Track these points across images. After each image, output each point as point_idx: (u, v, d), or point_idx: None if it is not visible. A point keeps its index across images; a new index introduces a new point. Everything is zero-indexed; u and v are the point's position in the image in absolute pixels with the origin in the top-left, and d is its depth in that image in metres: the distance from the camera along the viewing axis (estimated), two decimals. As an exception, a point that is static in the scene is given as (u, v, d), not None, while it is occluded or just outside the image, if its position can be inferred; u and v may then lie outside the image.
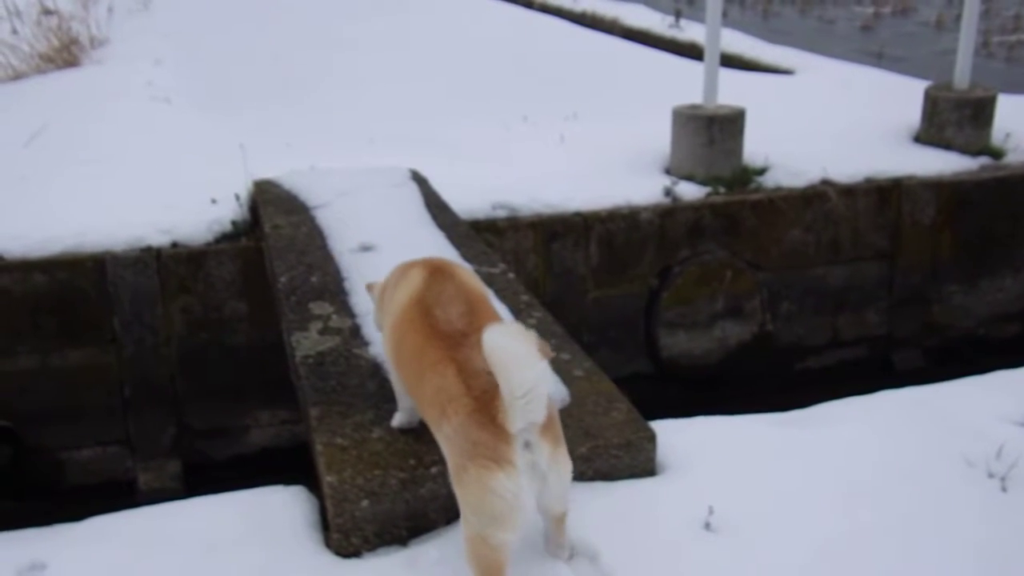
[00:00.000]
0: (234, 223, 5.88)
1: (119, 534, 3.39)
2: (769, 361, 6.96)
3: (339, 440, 3.36)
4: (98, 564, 3.15)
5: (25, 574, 3.21)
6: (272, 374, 5.72)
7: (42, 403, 5.57)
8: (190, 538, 3.29)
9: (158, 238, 5.68)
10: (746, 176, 6.90)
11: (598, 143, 7.66)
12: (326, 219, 5.45)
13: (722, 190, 6.77)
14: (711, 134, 6.86)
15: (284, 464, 5.27)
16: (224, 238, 5.81)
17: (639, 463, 3.40)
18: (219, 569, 3.11)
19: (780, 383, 6.78)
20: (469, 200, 6.24)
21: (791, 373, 7.04)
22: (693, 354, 6.82)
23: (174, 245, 5.69)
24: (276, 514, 3.42)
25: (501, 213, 6.40)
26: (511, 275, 4.83)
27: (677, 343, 6.76)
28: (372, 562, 3.16)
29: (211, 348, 5.73)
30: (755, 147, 7.09)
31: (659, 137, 7.32)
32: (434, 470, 3.22)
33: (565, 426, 3.47)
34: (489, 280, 4.64)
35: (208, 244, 5.75)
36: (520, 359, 2.40)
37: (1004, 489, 3.26)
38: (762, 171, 6.96)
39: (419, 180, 6.29)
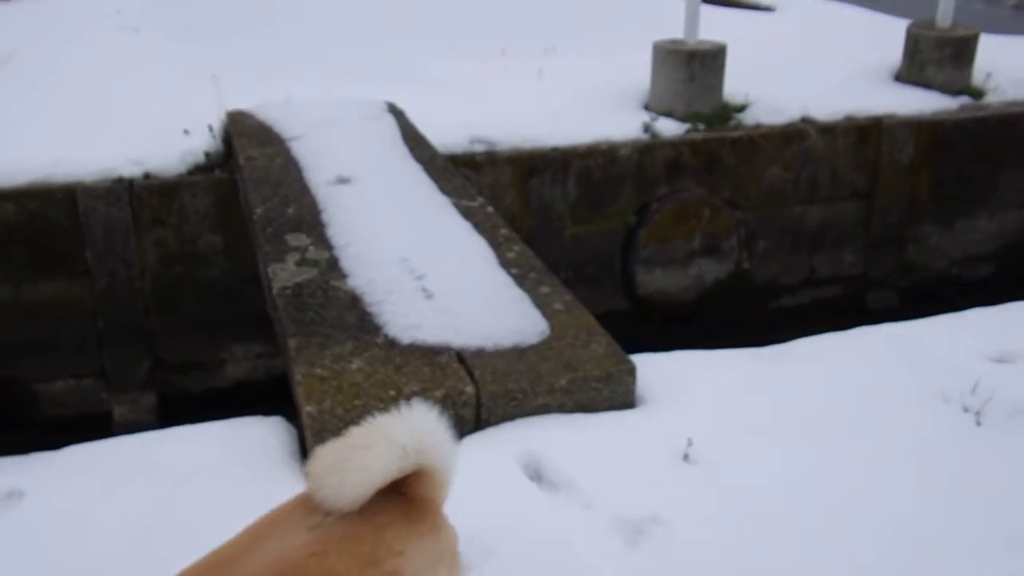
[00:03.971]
0: (207, 155, 5.78)
1: (97, 463, 3.38)
2: (745, 300, 7.01)
3: (318, 371, 3.35)
4: (76, 492, 3.14)
5: (3, 501, 3.20)
6: (247, 308, 5.68)
7: (15, 335, 5.51)
8: (168, 467, 3.28)
9: (130, 169, 5.58)
10: (726, 113, 6.86)
11: (577, 78, 7.57)
12: (301, 151, 5.37)
13: (701, 127, 6.73)
14: (691, 70, 6.79)
15: (260, 398, 5.24)
16: (197, 170, 5.72)
17: (618, 395, 3.42)
18: (197, 498, 3.11)
19: (755, 322, 6.83)
20: (447, 134, 6.16)
21: (766, 312, 7.10)
22: (669, 292, 6.85)
23: (146, 176, 5.59)
24: (255, 444, 3.41)
25: (479, 148, 6.34)
26: (490, 208, 4.79)
27: (654, 280, 6.78)
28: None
29: (185, 282, 5.67)
30: (736, 84, 7.04)
31: (639, 73, 7.24)
32: (413, 400, 3.22)
33: (545, 359, 3.50)
34: (468, 213, 4.62)
35: (181, 176, 5.66)
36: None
37: (979, 423, 3.32)
38: (742, 108, 6.92)
39: (396, 113, 6.20)
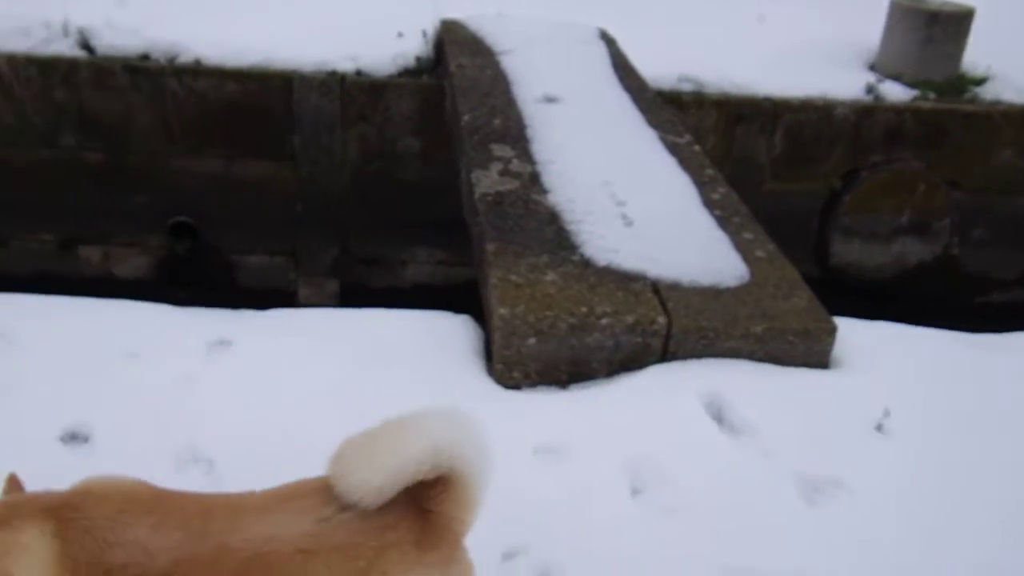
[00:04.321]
0: (418, 59, 5.91)
1: (299, 326, 3.61)
2: (948, 288, 6.63)
3: (513, 277, 3.41)
4: (281, 347, 3.36)
5: (214, 347, 3.46)
6: (436, 214, 5.84)
7: (222, 207, 5.88)
8: (364, 338, 3.46)
9: (344, 64, 5.78)
10: (961, 84, 6.42)
11: (800, 28, 7.26)
12: (511, 65, 5.41)
13: (931, 96, 6.34)
14: (930, 32, 6.38)
15: (434, 303, 5.41)
16: (406, 73, 5.87)
17: (814, 353, 3.33)
18: (392, 368, 3.27)
19: (957, 314, 6.45)
20: (654, 68, 6.05)
21: (971, 305, 6.69)
22: (865, 266, 6.56)
23: (358, 73, 5.78)
24: (445, 335, 3.54)
25: (687, 87, 6.21)
26: (696, 147, 4.70)
27: (850, 252, 6.50)
28: (529, 396, 3.25)
29: (381, 179, 5.87)
30: (978, 54, 6.56)
31: (867, 29, 6.86)
32: (604, 321, 3.24)
33: (742, 303, 3.43)
34: (674, 148, 4.55)
35: (390, 76, 5.82)
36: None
37: None
38: (981, 81, 6.46)
39: (607, 40, 6.15)
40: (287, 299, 5.89)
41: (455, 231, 5.93)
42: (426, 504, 1.81)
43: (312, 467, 1.89)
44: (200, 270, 6.03)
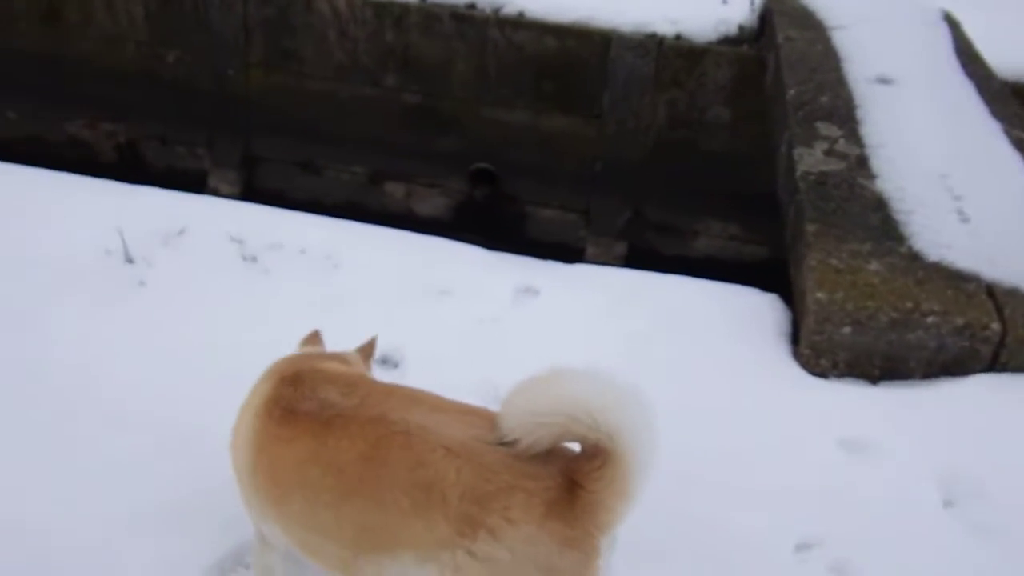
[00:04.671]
0: (741, 27, 5.81)
1: (602, 283, 3.74)
2: None
3: (833, 261, 3.32)
4: (582, 302, 3.50)
5: (520, 294, 3.65)
6: (737, 187, 5.78)
7: (524, 158, 6.11)
8: (665, 303, 3.52)
9: (664, 27, 5.79)
10: None
11: None
12: (843, 41, 5.20)
13: None
14: None
15: (720, 276, 5.35)
16: (726, 41, 5.79)
17: None
18: (687, 336, 3.31)
19: None
20: (1004, 57, 5.58)
21: None
22: None
23: (677, 37, 5.77)
24: (749, 311, 3.54)
25: (1032, 80, 5.68)
26: (1047, 148, 4.32)
27: None
28: (836, 387, 3.18)
29: (685, 146, 5.86)
30: None
31: None
32: (930, 320, 3.10)
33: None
34: (1020, 144, 4.21)
35: (709, 43, 5.76)
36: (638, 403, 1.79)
37: None
38: None
39: (951, 22, 5.74)
40: (574, 255, 6.03)
41: (754, 207, 5.84)
42: (580, 479, 1.80)
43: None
44: (494, 217, 6.31)
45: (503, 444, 1.84)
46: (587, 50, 5.80)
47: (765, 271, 5.80)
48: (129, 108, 6.62)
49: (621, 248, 6.11)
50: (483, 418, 1.96)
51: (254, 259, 3.85)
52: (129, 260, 3.76)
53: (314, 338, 2.62)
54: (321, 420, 2.01)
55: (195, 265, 3.77)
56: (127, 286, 3.63)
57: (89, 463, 2.79)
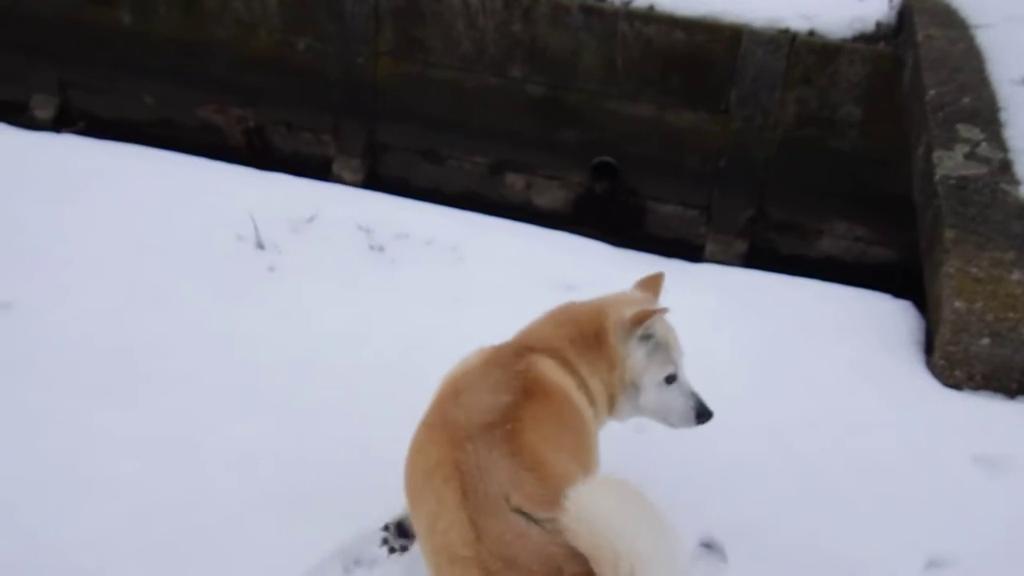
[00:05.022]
0: (878, 24, 5.68)
1: (725, 284, 3.74)
2: None
3: (973, 270, 3.25)
4: (706, 304, 3.52)
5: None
6: (865, 188, 5.67)
7: (646, 152, 6.11)
8: (792, 307, 3.50)
9: (797, 23, 5.70)
10: None
11: None
12: (988, 41, 5.03)
13: None
14: None
15: (843, 278, 5.25)
16: (862, 38, 5.66)
17: None
18: (817, 342, 3.29)
19: None
20: None
21: None
22: None
23: (811, 33, 5.67)
24: (881, 318, 3.49)
25: None
26: None
27: None
28: (972, 399, 3.12)
29: (813, 145, 5.77)
30: None
31: None
32: (1078, 336, 3.00)
33: None
34: None
35: (844, 40, 5.64)
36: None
37: None
38: None
39: (1104, 21, 5.48)
40: (693, 253, 6.02)
41: (882, 209, 5.73)
42: None
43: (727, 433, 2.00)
44: (614, 211, 6.34)
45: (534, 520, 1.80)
46: (717, 45, 5.76)
47: (890, 274, 5.68)
48: (259, 94, 6.89)
49: (742, 246, 6.06)
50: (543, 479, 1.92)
51: (381, 249, 3.98)
52: (260, 246, 3.93)
53: (652, 283, 2.72)
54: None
55: (324, 253, 3.93)
56: (258, 272, 3.80)
57: (220, 445, 2.94)
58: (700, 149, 6.02)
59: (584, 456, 2.27)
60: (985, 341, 3.05)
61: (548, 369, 2.34)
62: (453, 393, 2.22)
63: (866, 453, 2.92)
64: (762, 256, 5.98)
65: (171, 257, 3.80)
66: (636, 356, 2.45)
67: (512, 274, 3.86)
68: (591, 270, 3.86)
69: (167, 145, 5.85)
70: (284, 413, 3.07)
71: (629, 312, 2.44)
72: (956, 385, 3.14)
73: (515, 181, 6.63)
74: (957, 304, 3.08)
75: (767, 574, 2.55)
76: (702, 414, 2.50)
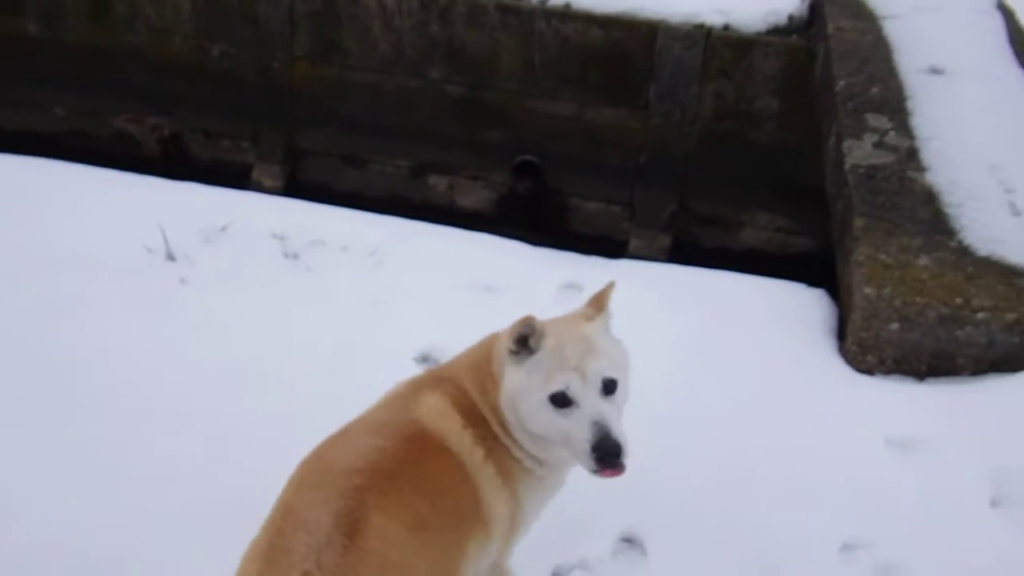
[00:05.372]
0: (791, 17, 5.79)
1: (647, 278, 3.77)
2: None
3: (882, 256, 3.33)
4: (628, 299, 3.49)
5: (564, 290, 3.70)
6: (784, 179, 5.77)
7: (568, 150, 6.14)
8: (712, 299, 3.54)
9: (713, 17, 5.78)
10: None
11: None
12: (895, 31, 5.16)
13: None
14: None
15: (765, 269, 5.35)
16: (776, 31, 5.76)
17: None
18: (736, 333, 3.34)
19: None
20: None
21: None
22: None
23: (726, 28, 5.76)
24: (796, 308, 3.55)
25: (1092, 70, 5.60)
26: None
27: None
28: (883, 383, 3.19)
29: (732, 138, 5.85)
30: None
31: None
32: (980, 315, 3.10)
33: None
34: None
35: (758, 34, 5.74)
36: None
37: None
38: None
39: (1005, 11, 5.67)
40: (618, 248, 6.06)
41: (801, 199, 5.82)
42: None
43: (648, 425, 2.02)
44: (537, 209, 6.36)
45: None
46: (633, 41, 5.81)
47: (811, 263, 5.78)
48: (175, 102, 6.76)
49: (665, 240, 6.12)
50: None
51: (296, 256, 3.94)
52: (170, 257, 3.86)
53: (598, 297, 2.32)
54: None
55: (236, 263, 3.87)
56: (168, 284, 3.73)
57: (135, 462, 2.88)
58: (621, 145, 6.06)
59: (460, 528, 2.02)
60: (894, 326, 3.13)
61: (429, 410, 2.09)
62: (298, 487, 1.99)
63: (783, 440, 2.97)
64: (686, 250, 6.05)
65: (78, 272, 3.71)
66: (512, 373, 2.07)
67: (432, 277, 3.85)
68: (511, 271, 3.87)
69: (81, 156, 5.70)
70: (207, 426, 3.03)
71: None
72: (868, 370, 3.22)
73: (438, 183, 6.61)
74: (867, 291, 3.15)
75: (686, 566, 2.58)
76: (600, 448, 1.94)
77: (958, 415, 2.97)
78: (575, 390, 2.00)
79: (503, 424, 2.09)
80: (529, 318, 2.07)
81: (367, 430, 2.07)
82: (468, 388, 2.14)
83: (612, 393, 2.04)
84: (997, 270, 3.26)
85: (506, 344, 2.09)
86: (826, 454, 2.91)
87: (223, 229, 4.02)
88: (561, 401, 2.00)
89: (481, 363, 2.18)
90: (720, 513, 2.75)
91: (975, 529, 2.67)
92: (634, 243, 6.18)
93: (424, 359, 3.43)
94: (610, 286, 2.29)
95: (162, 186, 4.52)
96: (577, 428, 1.97)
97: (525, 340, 2.07)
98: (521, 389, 2.04)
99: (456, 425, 2.07)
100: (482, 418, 2.10)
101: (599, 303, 2.26)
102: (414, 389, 2.17)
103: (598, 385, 2.01)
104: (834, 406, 3.07)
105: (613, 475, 1.96)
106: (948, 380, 3.16)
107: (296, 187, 6.60)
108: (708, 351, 3.36)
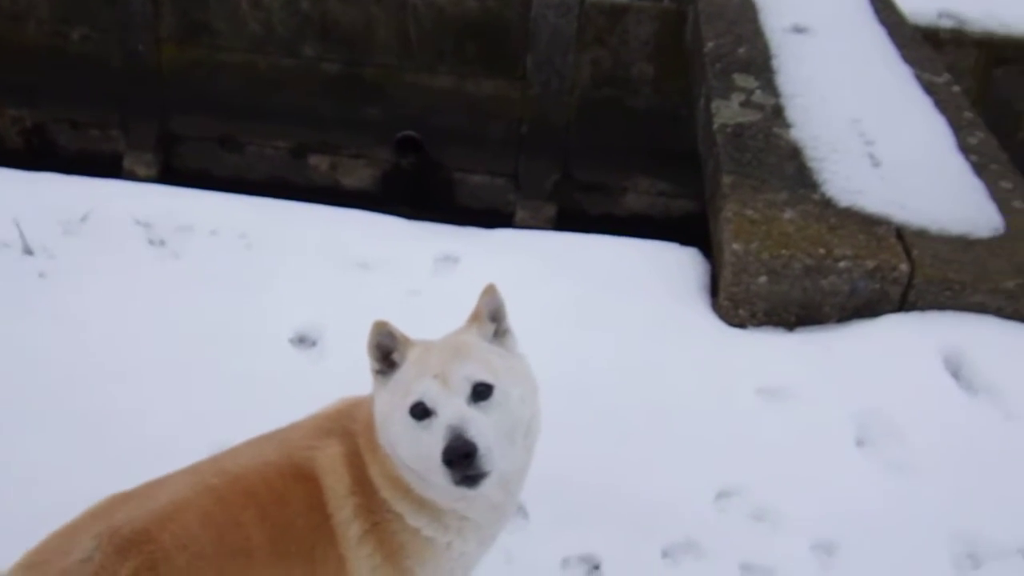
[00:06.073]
0: (661, -19, 5.87)
1: (524, 247, 3.78)
2: None
3: (749, 212, 3.42)
4: (505, 267, 3.53)
5: (441, 263, 3.69)
6: (663, 143, 5.87)
7: (449, 124, 6.14)
8: (589, 263, 3.59)
9: (584, -17, 5.83)
10: None
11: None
12: (760, -8, 5.29)
13: None
14: None
15: (650, 233, 5.46)
16: (647, -5, 5.85)
17: (1072, 314, 3.16)
18: (612, 295, 3.39)
19: None
20: (912, 2, 5.74)
21: None
22: None
23: (595, -6, 5.81)
24: (671, 267, 3.62)
25: (946, 23, 5.85)
26: (956, 88, 4.48)
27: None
28: (754, 335, 3.29)
29: (610, 104, 5.93)
30: None
31: None
32: (842, 264, 3.21)
33: (994, 256, 3.27)
34: (930, 88, 4.35)
35: (631, 0, 5.81)
36: None
37: None
38: None
39: (866, -31, 5.87)
40: (504, 220, 6.09)
41: (681, 162, 5.94)
42: None
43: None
44: (422, 185, 6.34)
45: None
46: (508, 10, 5.83)
47: (693, 225, 5.92)
48: (34, 92, 6.50)
49: (551, 210, 6.18)
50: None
51: (162, 243, 3.84)
52: (28, 251, 3.71)
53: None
54: None
55: (99, 253, 3.74)
56: (27, 279, 3.58)
57: (4, 463, 2.77)
58: (502, 117, 6.09)
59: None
60: (763, 279, 3.23)
61: (326, 459, 1.84)
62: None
63: (661, 397, 3.03)
64: (572, 218, 6.12)
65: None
66: (380, 396, 1.83)
67: (303, 258, 3.79)
68: (386, 246, 3.84)
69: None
70: (73, 424, 2.93)
71: None
72: (740, 324, 3.31)
73: (319, 163, 6.53)
74: (735, 246, 3.24)
75: (567, 528, 2.62)
76: (449, 451, 1.62)
77: (824, 362, 3.08)
78: (433, 396, 1.71)
79: (395, 484, 1.81)
80: (382, 323, 1.83)
81: (265, 442, 1.92)
82: (362, 445, 1.86)
83: (485, 399, 1.73)
84: (858, 220, 3.39)
85: (369, 363, 1.84)
86: (702, 408, 2.98)
87: (83, 219, 3.89)
88: (420, 413, 1.71)
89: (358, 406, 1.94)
90: (601, 475, 2.78)
91: (842, 468, 2.78)
92: (520, 214, 6.22)
93: (300, 340, 3.38)
94: (488, 288, 1.99)
95: (18, 178, 4.32)
96: (435, 440, 1.66)
97: (388, 355, 1.84)
98: (388, 411, 1.77)
99: (343, 488, 1.82)
100: (372, 485, 1.83)
101: (476, 312, 1.98)
102: (328, 430, 1.91)
103: (465, 391, 1.72)
104: (708, 361, 3.15)
105: (472, 486, 1.66)
106: (815, 329, 3.27)
107: (173, 175, 6.43)
108: (588, 315, 3.39)
